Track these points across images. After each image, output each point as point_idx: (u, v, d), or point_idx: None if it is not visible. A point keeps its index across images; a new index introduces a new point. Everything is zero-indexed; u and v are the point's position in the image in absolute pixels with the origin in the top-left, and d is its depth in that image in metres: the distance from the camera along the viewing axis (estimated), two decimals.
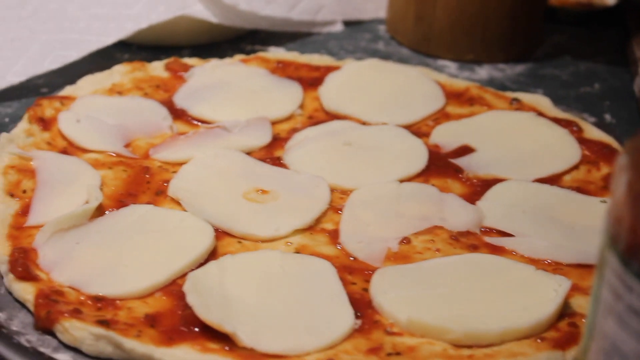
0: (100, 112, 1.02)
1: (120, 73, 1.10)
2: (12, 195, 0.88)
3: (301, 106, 1.09)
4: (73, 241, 0.81)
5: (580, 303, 0.77)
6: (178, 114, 1.05)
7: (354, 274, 0.81)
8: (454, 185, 0.95)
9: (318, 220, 0.88)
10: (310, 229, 0.87)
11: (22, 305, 0.76)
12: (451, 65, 1.26)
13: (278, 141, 1.01)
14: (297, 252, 0.83)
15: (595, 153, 1.00)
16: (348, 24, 1.35)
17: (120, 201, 0.89)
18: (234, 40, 1.27)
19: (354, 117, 1.06)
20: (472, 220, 0.88)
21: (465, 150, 1.01)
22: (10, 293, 0.77)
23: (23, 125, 0.98)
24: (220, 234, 0.85)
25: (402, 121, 1.06)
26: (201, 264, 0.80)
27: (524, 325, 0.73)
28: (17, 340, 0.72)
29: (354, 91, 1.11)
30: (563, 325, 0.74)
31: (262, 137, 1.01)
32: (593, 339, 0.55)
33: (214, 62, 1.15)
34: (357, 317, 0.75)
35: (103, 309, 0.74)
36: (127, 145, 0.99)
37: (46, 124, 0.99)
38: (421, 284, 0.78)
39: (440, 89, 1.12)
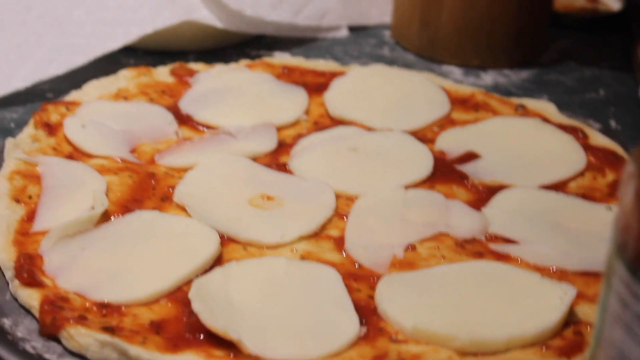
0: (106, 118, 1.02)
1: (125, 78, 1.10)
2: (17, 201, 0.88)
3: (306, 112, 1.09)
4: (79, 247, 0.81)
5: (586, 311, 0.77)
6: (183, 120, 1.05)
7: (359, 281, 0.81)
8: (460, 192, 0.95)
9: (323, 227, 0.88)
10: (316, 235, 0.87)
11: (28, 311, 0.76)
12: (456, 71, 1.26)
13: (283, 147, 1.01)
14: (303, 259, 0.83)
15: (601, 160, 1.00)
16: (353, 29, 1.35)
17: (126, 207, 0.89)
18: (239, 46, 1.27)
19: (360, 122, 1.06)
20: (477, 227, 0.88)
21: (470, 156, 1.01)
22: (15, 299, 0.77)
23: (29, 130, 0.98)
24: (226, 240, 0.85)
25: (408, 127, 1.06)
26: (206, 271, 0.80)
27: (530, 333, 0.73)
28: (23, 346, 0.72)
29: (360, 97, 1.11)
30: (568, 333, 0.74)
31: (268, 143, 1.01)
32: (600, 347, 0.54)
33: (219, 68, 1.15)
34: (362, 324, 0.75)
35: (108, 315, 0.74)
36: (132, 151, 0.99)
37: (52, 129, 0.99)
38: (426, 292, 0.78)
39: (446, 94, 1.12)
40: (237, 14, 1.21)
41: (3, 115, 1.07)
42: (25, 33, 1.13)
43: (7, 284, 0.79)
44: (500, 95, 1.13)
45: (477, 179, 0.97)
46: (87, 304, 0.75)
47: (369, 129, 1.05)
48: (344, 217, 0.89)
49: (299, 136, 1.04)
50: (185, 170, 0.95)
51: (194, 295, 0.74)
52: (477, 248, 0.86)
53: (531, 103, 1.11)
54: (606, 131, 1.08)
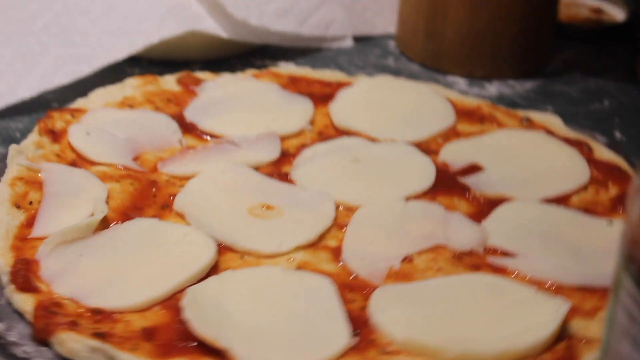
0: (111, 125, 1.02)
1: (132, 86, 1.11)
2: (18, 207, 0.88)
3: (311, 122, 1.09)
4: (76, 253, 0.82)
5: (580, 326, 0.77)
6: (188, 128, 1.05)
7: (354, 292, 0.81)
8: (461, 204, 0.95)
9: (322, 237, 0.88)
10: (313, 245, 0.87)
11: (22, 316, 0.76)
12: (461, 81, 1.25)
13: (287, 157, 1.02)
14: (299, 269, 0.83)
15: (604, 174, 0.99)
16: (358, 39, 1.35)
17: (126, 214, 0.89)
18: (243, 56, 1.28)
19: (364, 133, 1.06)
20: (475, 240, 0.88)
21: (473, 168, 1.00)
22: (10, 304, 0.78)
23: (33, 137, 0.99)
24: (223, 249, 0.85)
25: (412, 138, 1.06)
26: (202, 279, 0.80)
27: (521, 346, 0.72)
28: (14, 351, 0.72)
29: (365, 108, 1.11)
30: (560, 348, 0.74)
31: (271, 153, 1.01)
32: None
33: (225, 77, 1.16)
34: (354, 335, 0.74)
35: (101, 321, 0.74)
36: (135, 159, 0.99)
37: (56, 136, 1.00)
38: (419, 303, 0.77)
39: (451, 106, 1.12)
40: (242, 24, 1.21)
41: (8, 124, 1.08)
42: (31, 43, 1.14)
43: (3, 288, 0.79)
44: (506, 108, 1.13)
45: (479, 191, 0.97)
46: (81, 310, 0.75)
47: (373, 139, 1.05)
48: (343, 228, 0.89)
49: (303, 146, 1.04)
50: (187, 178, 0.95)
51: (187, 303, 0.74)
52: (475, 261, 0.85)
53: (537, 116, 1.10)
54: (611, 144, 1.07)
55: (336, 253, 0.86)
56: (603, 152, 1.03)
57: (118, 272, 0.80)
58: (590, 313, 0.79)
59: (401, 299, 0.78)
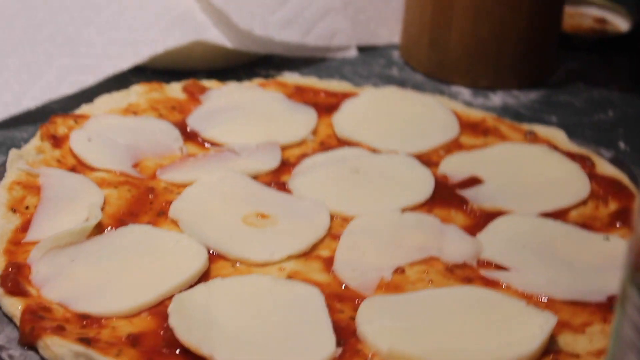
0: (112, 132, 1.03)
1: (137, 93, 1.11)
2: (14, 211, 0.89)
3: (314, 132, 1.09)
4: (67, 258, 0.82)
5: (568, 341, 0.76)
6: (190, 136, 1.06)
7: (344, 302, 0.80)
8: (457, 217, 0.94)
9: (315, 247, 0.88)
10: (305, 255, 0.87)
11: (10, 320, 0.77)
12: (465, 92, 1.25)
13: (286, 166, 1.02)
14: (290, 278, 0.83)
15: (605, 189, 0.98)
16: (362, 49, 1.35)
17: (121, 220, 0.89)
18: (247, 65, 1.28)
19: (366, 144, 1.06)
20: (469, 253, 0.87)
21: (473, 181, 1.00)
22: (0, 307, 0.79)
23: (35, 142, 1.00)
24: (215, 257, 0.85)
25: (414, 150, 1.05)
26: (191, 286, 0.80)
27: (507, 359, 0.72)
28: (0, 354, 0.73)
29: (369, 118, 1.11)
30: None
31: (270, 162, 1.01)
32: None
33: (231, 85, 1.16)
34: (339, 345, 0.74)
35: (87, 326, 0.75)
36: (135, 165, 0.99)
37: (58, 141, 1.00)
38: (407, 315, 0.77)
39: (456, 118, 1.11)
40: (247, 34, 1.22)
41: (13, 134, 1.08)
42: (36, 53, 1.15)
43: None
44: (511, 121, 1.12)
45: (477, 204, 0.96)
46: (68, 315, 0.76)
47: (375, 150, 1.05)
48: (337, 238, 0.89)
49: (304, 156, 1.04)
50: (184, 186, 0.95)
51: (173, 309, 0.74)
52: (467, 273, 0.85)
53: (542, 130, 1.10)
54: (615, 159, 1.06)
55: (328, 263, 0.86)
56: (605, 167, 1.03)
57: (108, 277, 0.80)
58: (579, 328, 0.78)
59: (389, 310, 0.78)
